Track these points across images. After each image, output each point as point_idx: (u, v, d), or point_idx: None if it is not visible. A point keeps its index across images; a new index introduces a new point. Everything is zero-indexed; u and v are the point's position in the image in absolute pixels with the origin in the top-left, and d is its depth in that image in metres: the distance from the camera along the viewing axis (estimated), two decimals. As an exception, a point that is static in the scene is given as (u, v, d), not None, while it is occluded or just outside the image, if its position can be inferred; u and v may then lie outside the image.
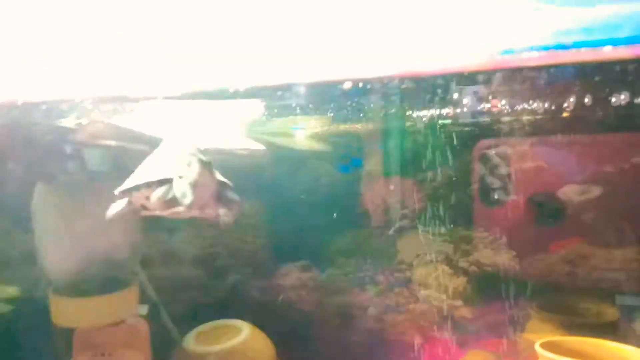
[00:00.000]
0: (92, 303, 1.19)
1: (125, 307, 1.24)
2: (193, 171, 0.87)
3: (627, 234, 1.23)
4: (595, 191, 1.22)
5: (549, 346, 1.12)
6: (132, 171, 1.01)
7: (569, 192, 1.23)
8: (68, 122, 1.04)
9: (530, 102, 1.19)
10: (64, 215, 1.20)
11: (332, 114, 1.41)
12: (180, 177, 0.89)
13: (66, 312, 1.21)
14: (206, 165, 0.88)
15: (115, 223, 1.09)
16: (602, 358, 1.08)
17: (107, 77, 0.95)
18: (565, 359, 1.03)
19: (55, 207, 1.21)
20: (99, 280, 1.19)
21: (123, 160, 1.19)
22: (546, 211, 1.27)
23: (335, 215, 1.45)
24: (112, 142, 1.06)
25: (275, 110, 1.38)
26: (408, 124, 1.36)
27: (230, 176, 1.49)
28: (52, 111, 1.04)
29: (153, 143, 1.00)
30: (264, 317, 1.40)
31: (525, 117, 1.27)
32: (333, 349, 1.47)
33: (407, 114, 1.33)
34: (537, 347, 1.12)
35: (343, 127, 1.42)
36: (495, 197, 1.31)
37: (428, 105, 1.29)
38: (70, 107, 1.01)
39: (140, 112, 1.05)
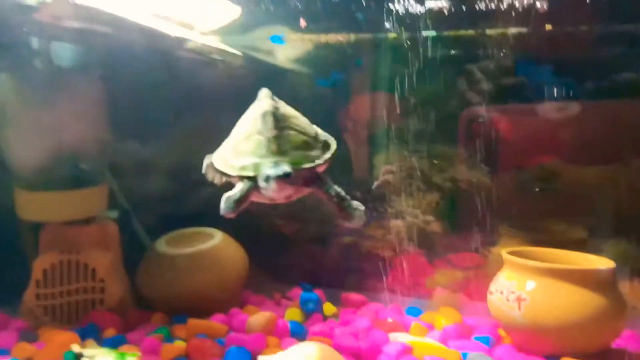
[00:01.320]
0: (58, 197, 1.17)
1: (93, 204, 1.22)
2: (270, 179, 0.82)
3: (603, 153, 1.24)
4: (573, 109, 1.23)
5: (515, 255, 1.15)
6: (99, 64, 0.96)
7: (548, 109, 1.24)
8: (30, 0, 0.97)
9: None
10: (29, 108, 1.15)
11: (312, 26, 1.37)
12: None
13: (32, 206, 1.18)
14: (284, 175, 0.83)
15: (82, 119, 1.05)
16: (565, 263, 1.12)
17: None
18: (526, 260, 1.07)
19: (21, 99, 1.16)
20: (67, 176, 1.16)
21: (89, 51, 1.14)
22: (523, 128, 1.28)
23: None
24: (76, 24, 0.99)
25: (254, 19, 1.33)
26: (391, 37, 1.32)
27: (209, 81, 1.45)
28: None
29: (120, 25, 0.95)
30: (238, 229, 1.40)
31: (510, 32, 1.26)
32: (307, 260, 1.48)
33: (390, 27, 1.30)
34: (503, 253, 1.15)
35: (323, 38, 1.37)
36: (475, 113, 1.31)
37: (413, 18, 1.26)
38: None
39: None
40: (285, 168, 0.82)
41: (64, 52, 1.21)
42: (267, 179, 0.82)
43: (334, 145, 0.95)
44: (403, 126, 1.34)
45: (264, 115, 0.90)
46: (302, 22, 1.32)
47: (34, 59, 1.19)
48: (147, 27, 1.03)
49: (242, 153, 0.89)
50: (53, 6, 0.97)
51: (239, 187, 0.87)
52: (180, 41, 1.14)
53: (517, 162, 1.30)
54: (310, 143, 0.90)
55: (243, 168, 0.87)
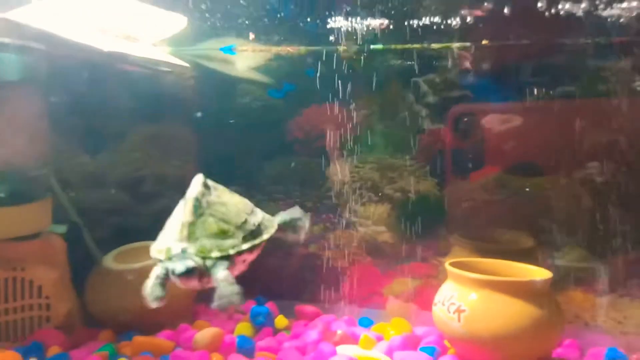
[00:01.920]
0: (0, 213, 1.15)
1: (37, 219, 1.20)
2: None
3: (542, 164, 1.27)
4: (516, 121, 1.25)
5: (458, 265, 1.17)
6: (40, 78, 0.95)
7: (492, 121, 1.26)
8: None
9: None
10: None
11: (263, 37, 1.37)
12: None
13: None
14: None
15: (21, 134, 1.04)
16: (505, 274, 1.14)
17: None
18: (464, 272, 1.09)
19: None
20: (7, 191, 1.14)
21: (31, 66, 1.12)
22: (469, 139, 1.30)
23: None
24: (16, 40, 0.98)
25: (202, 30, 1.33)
26: (341, 49, 1.33)
27: (155, 95, 1.45)
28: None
29: (54, 42, 0.94)
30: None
31: (454, 46, 1.27)
32: (261, 272, 1.48)
33: (341, 40, 1.31)
34: (446, 265, 1.17)
35: (275, 49, 1.38)
36: (422, 125, 1.32)
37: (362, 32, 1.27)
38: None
39: (39, 7, 0.97)
40: (188, 263, 0.83)
41: (3, 65, 1.19)
42: (172, 272, 0.85)
43: (266, 234, 0.97)
44: (353, 137, 1.35)
45: (187, 201, 0.92)
46: (251, 35, 1.32)
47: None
48: (88, 41, 1.02)
49: (163, 236, 0.91)
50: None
51: (154, 273, 0.89)
52: (125, 54, 1.13)
53: (463, 174, 1.32)
54: (229, 231, 0.90)
55: (159, 251, 0.89)
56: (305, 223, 1.09)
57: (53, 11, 0.97)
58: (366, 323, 1.33)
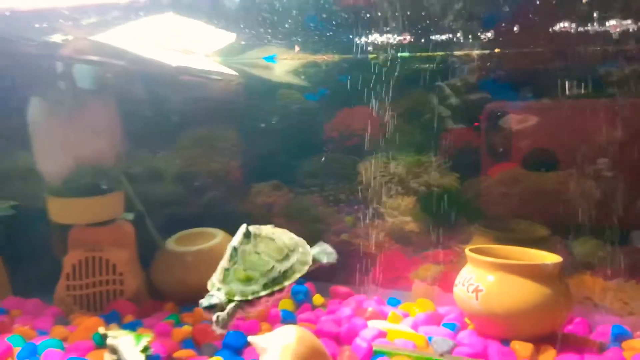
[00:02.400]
0: (82, 203, 1.37)
1: (112, 208, 1.42)
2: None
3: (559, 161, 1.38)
4: (532, 120, 1.37)
5: (477, 251, 1.31)
6: (114, 87, 1.14)
7: (509, 121, 1.38)
8: (55, 38, 1.16)
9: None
10: (56, 126, 1.34)
11: (301, 46, 1.53)
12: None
13: (61, 210, 1.38)
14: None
15: (100, 135, 1.24)
16: (519, 259, 1.27)
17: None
18: (482, 257, 1.23)
19: (49, 119, 1.35)
20: (89, 184, 1.36)
21: (107, 77, 1.32)
22: (491, 138, 1.43)
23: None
24: (95, 58, 1.17)
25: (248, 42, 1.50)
26: (370, 56, 1.47)
27: (206, 101, 1.64)
28: (40, 28, 1.15)
29: (131, 59, 1.13)
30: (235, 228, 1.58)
31: (475, 53, 1.40)
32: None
33: (371, 47, 1.46)
34: (466, 250, 1.31)
35: (312, 57, 1.54)
36: (445, 125, 1.46)
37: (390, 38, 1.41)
38: (56, 24, 1.12)
39: (121, 30, 1.16)
40: (212, 300, 1.04)
41: (84, 76, 1.40)
42: (200, 304, 1.04)
43: (288, 280, 1.12)
44: (382, 136, 1.50)
45: (228, 248, 1.11)
46: (296, 48, 1.48)
47: (59, 83, 1.39)
48: (159, 57, 1.21)
49: (214, 273, 1.11)
50: (73, 43, 1.16)
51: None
52: (187, 67, 1.32)
53: (484, 169, 1.45)
54: (254, 278, 1.08)
55: (211, 285, 1.09)
56: (334, 257, 1.25)
57: (129, 32, 1.16)
58: (394, 302, 1.48)
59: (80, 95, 1.36)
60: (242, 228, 1.14)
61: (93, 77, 1.35)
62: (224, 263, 1.08)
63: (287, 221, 1.67)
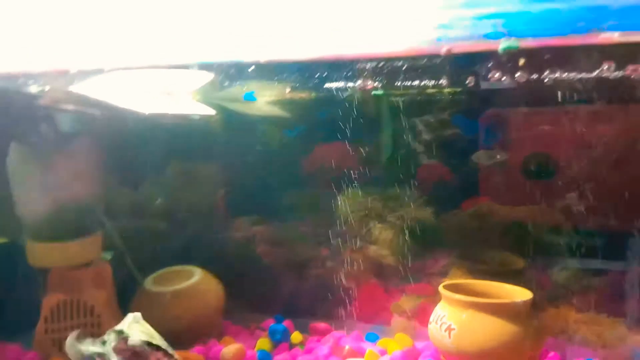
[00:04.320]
0: (62, 247, 1.38)
1: (91, 251, 1.43)
2: None
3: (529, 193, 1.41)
4: (502, 156, 1.39)
5: (451, 287, 1.32)
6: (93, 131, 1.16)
7: (480, 156, 1.41)
8: (33, 89, 1.19)
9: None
10: (35, 171, 1.36)
11: (280, 84, 1.56)
12: None
13: (40, 254, 1.40)
14: None
15: (79, 178, 1.26)
16: (493, 295, 1.28)
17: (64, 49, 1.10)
18: (454, 294, 1.24)
19: (28, 163, 1.38)
20: (68, 227, 1.37)
21: (85, 122, 1.35)
22: (461, 172, 1.45)
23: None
24: (71, 107, 1.20)
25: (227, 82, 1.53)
26: (346, 94, 1.50)
27: (187, 139, 1.67)
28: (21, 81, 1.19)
29: (106, 108, 1.16)
30: (217, 263, 1.60)
31: (447, 91, 1.44)
32: (277, 292, 1.67)
33: (347, 85, 1.49)
34: (440, 288, 1.32)
35: (290, 95, 1.57)
36: (419, 160, 1.49)
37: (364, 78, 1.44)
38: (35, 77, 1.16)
39: (96, 81, 1.19)
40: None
41: (63, 121, 1.43)
42: None
43: None
44: (359, 171, 1.52)
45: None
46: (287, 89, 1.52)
47: (39, 129, 1.41)
48: (131, 106, 1.24)
49: None
50: (51, 93, 1.19)
51: None
52: (160, 113, 1.35)
53: (456, 204, 1.48)
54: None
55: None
56: None
57: (107, 81, 1.19)
58: (372, 338, 1.49)
59: (58, 139, 1.38)
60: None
61: (71, 122, 1.38)
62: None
63: (269, 254, 1.69)
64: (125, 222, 1.64)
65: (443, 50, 1.04)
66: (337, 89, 1.49)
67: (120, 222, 1.63)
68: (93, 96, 1.20)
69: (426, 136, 1.46)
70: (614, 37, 0.96)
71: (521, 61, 1.01)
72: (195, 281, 1.48)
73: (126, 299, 1.52)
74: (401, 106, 1.47)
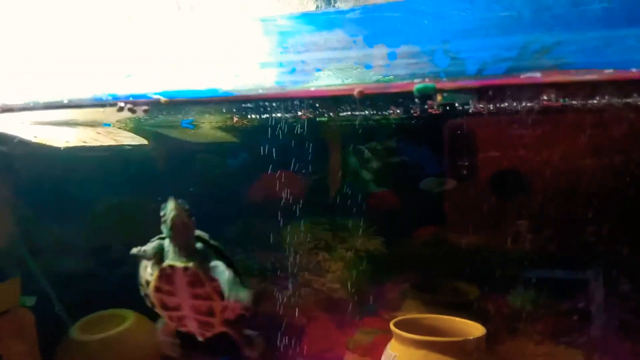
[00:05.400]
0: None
1: (7, 298, 1.28)
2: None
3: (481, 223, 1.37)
4: (451, 183, 1.35)
5: (403, 323, 1.25)
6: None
7: (429, 184, 1.36)
8: None
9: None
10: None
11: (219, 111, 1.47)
12: None
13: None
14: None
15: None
16: (445, 332, 1.22)
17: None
18: (403, 333, 1.16)
19: None
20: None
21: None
22: (410, 200, 1.40)
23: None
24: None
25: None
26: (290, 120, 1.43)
27: (121, 171, 1.55)
28: None
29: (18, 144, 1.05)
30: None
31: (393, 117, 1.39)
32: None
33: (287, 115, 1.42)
34: (391, 325, 1.25)
35: (231, 122, 1.48)
36: (369, 188, 1.42)
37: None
38: None
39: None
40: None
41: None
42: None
43: None
44: (306, 200, 1.44)
45: None
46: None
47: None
48: (47, 141, 1.12)
49: None
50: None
51: None
52: (81, 146, 1.23)
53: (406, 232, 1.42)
54: None
55: None
56: None
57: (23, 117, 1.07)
58: (324, 378, 1.40)
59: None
60: None
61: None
62: None
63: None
64: (53, 261, 1.50)
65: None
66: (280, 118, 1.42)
67: (47, 261, 1.49)
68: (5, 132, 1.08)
69: (374, 164, 1.40)
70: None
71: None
72: (128, 327, 1.34)
73: (54, 349, 1.37)
74: (349, 132, 1.41)
